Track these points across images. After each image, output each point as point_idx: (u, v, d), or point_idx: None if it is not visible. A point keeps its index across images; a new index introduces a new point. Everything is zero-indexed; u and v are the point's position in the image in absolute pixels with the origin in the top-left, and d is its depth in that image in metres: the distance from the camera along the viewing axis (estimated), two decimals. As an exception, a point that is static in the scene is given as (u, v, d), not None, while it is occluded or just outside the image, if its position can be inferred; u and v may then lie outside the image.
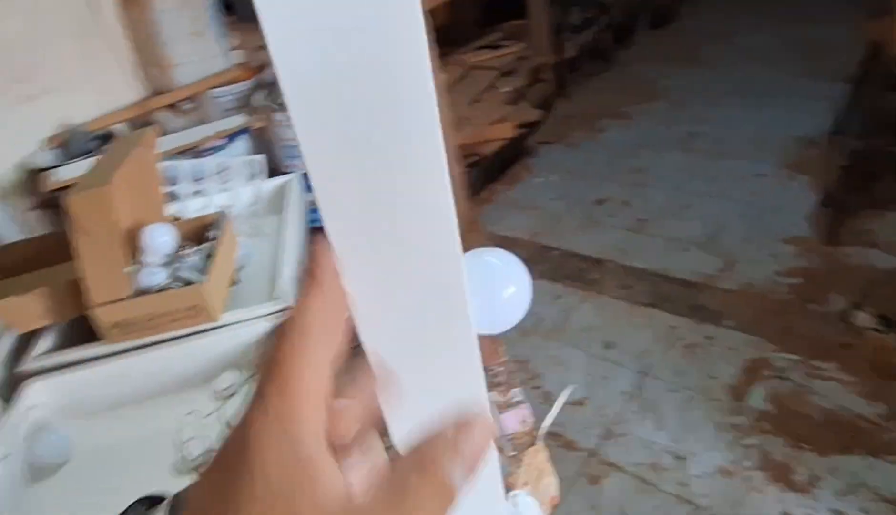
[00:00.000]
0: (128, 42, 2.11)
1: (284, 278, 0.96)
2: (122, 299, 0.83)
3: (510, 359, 2.04)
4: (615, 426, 1.76)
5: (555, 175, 3.00)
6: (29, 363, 0.86)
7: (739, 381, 1.82)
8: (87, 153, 1.91)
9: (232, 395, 0.85)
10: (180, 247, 0.96)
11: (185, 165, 1.68)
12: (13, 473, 0.76)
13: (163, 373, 0.86)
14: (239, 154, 1.92)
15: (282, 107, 2.21)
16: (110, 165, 0.84)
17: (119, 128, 1.93)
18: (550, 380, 1.92)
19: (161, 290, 0.88)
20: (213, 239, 0.98)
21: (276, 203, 1.20)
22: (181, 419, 0.81)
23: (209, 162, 1.80)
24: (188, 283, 0.90)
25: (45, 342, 0.88)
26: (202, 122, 2.02)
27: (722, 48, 3.92)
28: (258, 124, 1.83)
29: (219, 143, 1.77)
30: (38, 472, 0.78)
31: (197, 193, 1.19)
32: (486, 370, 0.86)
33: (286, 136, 2.25)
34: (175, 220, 1.00)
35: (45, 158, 1.79)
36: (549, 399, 1.85)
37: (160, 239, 0.92)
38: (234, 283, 1.06)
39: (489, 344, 0.91)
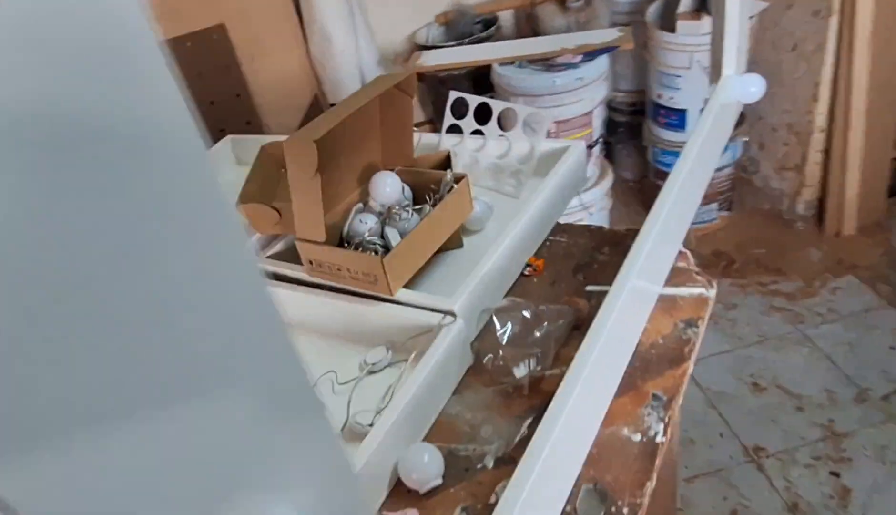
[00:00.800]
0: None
1: (478, 271, 0.87)
2: (315, 242, 0.87)
3: (825, 425, 1.58)
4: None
5: None
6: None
7: None
8: (468, 35, 1.98)
9: (374, 372, 0.85)
10: (405, 202, 0.95)
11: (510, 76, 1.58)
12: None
13: (333, 320, 0.90)
14: (592, 76, 1.74)
15: (670, 27, 1.89)
16: (342, 110, 0.84)
17: (504, 15, 1.93)
18: (861, 475, 1.44)
19: (358, 243, 0.90)
20: (438, 201, 0.93)
21: (547, 169, 1.07)
22: (323, 372, 0.85)
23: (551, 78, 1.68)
24: (385, 245, 0.89)
25: (275, 248, 0.99)
26: (586, 26, 1.87)
27: None
28: (626, 45, 1.60)
29: (574, 59, 1.62)
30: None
31: (476, 132, 1.13)
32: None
33: (666, 61, 1.95)
34: (410, 168, 0.98)
35: (432, 34, 1.91)
36: (841, 496, 1.41)
37: (380, 189, 0.92)
38: (458, 246, 1.01)
39: (665, 498, 0.69)
